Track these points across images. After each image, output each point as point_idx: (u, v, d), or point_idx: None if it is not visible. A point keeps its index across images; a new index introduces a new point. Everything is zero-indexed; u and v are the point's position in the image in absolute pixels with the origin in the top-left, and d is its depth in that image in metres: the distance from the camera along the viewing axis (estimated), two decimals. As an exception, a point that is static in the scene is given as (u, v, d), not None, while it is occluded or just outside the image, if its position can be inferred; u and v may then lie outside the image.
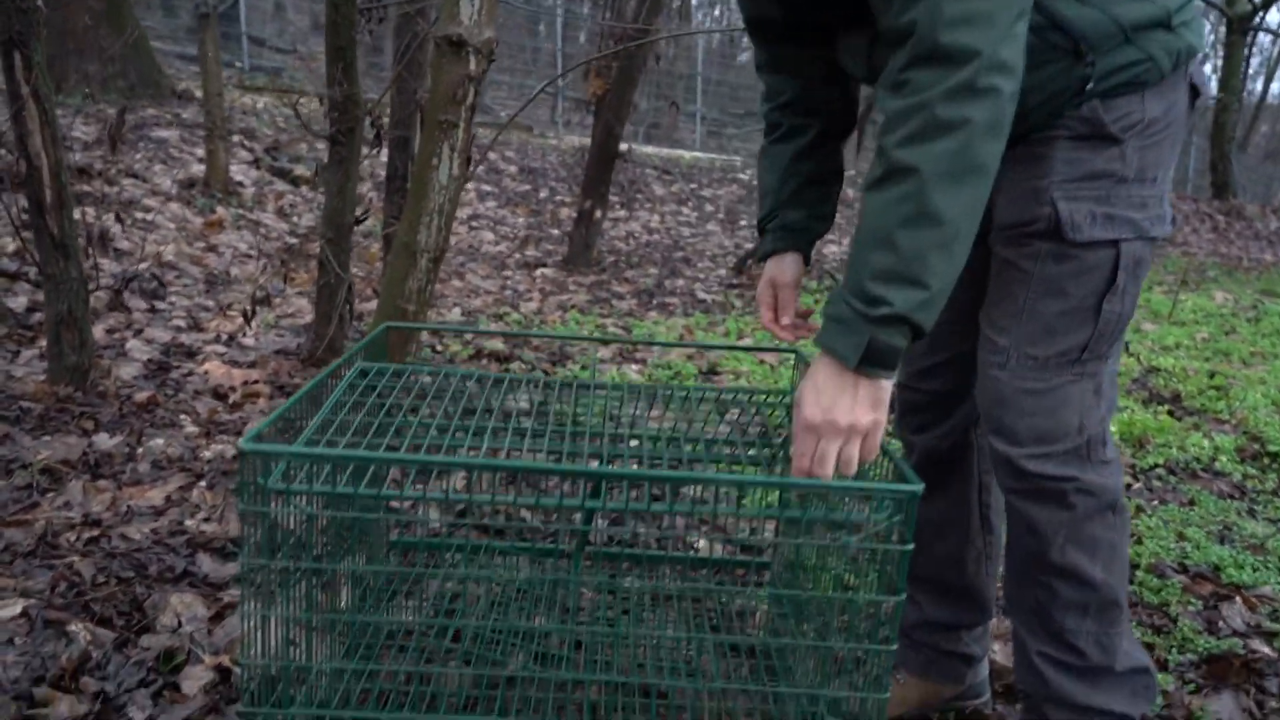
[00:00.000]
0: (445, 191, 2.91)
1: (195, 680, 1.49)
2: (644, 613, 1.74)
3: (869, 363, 1.01)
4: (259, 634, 1.07)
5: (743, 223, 8.29)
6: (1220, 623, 1.92)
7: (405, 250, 2.79)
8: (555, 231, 6.93)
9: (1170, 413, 3.31)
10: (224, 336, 3.42)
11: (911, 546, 0.99)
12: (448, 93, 2.71)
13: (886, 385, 1.04)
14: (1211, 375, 3.77)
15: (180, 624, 1.63)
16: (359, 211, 3.16)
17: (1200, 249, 9.60)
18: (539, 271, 5.62)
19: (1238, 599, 1.99)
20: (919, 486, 0.96)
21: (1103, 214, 1.17)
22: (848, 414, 1.03)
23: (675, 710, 1.51)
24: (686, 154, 11.70)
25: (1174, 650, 1.81)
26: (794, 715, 1.38)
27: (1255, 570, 2.12)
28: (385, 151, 3.70)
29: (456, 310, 4.46)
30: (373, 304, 3.81)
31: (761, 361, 3.72)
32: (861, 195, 1.05)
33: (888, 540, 1.01)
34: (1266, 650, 1.82)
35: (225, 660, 1.55)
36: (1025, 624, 1.35)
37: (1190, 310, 5.24)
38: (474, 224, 6.75)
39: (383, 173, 4.28)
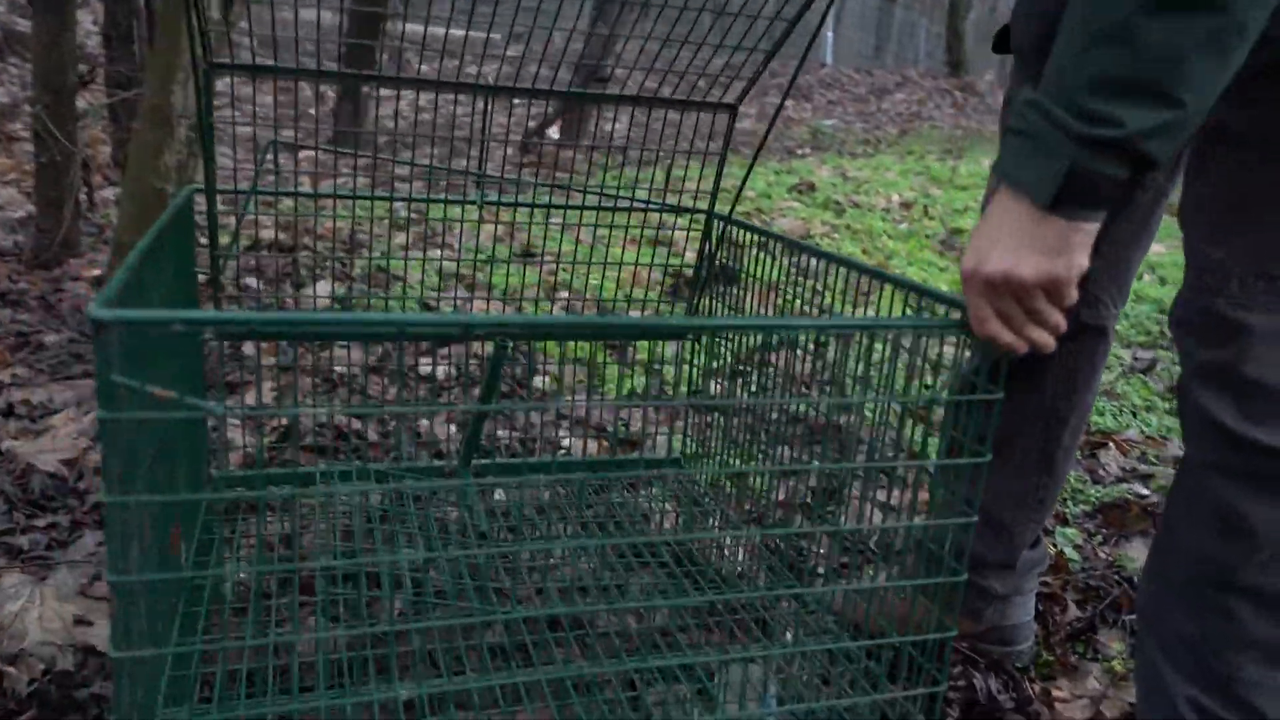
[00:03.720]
0: (205, 37, 2.37)
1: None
2: (536, 529, 1.48)
3: (1067, 201, 0.72)
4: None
5: (517, 102, 7.80)
6: (1100, 471, 1.92)
7: (156, 115, 2.25)
8: (320, 111, 6.18)
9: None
10: (-94, 239, 2.68)
11: (1001, 395, 0.77)
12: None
13: (1085, 229, 0.74)
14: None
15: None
16: (83, 70, 2.51)
17: (944, 123, 10.19)
18: (303, 153, 4.95)
19: (1111, 445, 2.01)
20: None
21: None
22: (1004, 261, 0.74)
23: (599, 638, 1.27)
24: (450, 31, 10.87)
25: (1069, 503, 1.79)
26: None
27: (1115, 416, 2.16)
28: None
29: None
30: (109, 191, 3.13)
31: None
32: None
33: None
34: (1146, 491, 1.84)
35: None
36: (1172, 656, 0.97)
37: (966, 175, 5.47)
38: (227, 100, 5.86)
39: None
